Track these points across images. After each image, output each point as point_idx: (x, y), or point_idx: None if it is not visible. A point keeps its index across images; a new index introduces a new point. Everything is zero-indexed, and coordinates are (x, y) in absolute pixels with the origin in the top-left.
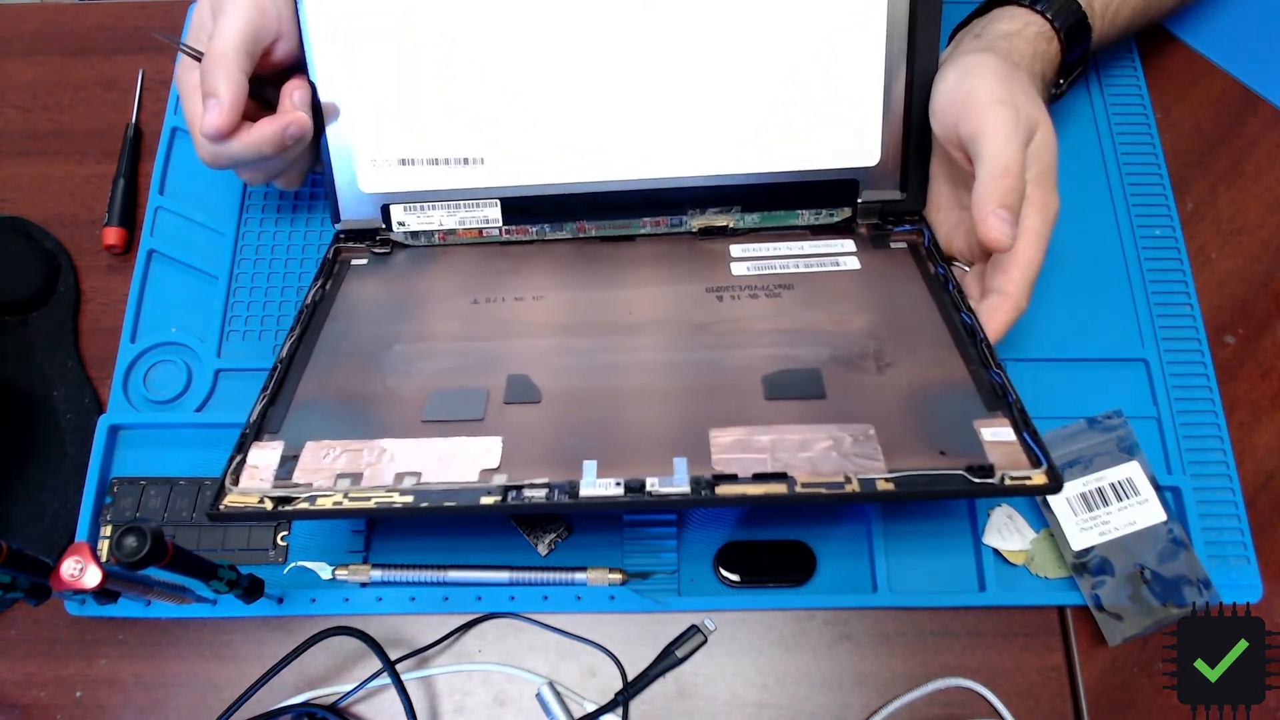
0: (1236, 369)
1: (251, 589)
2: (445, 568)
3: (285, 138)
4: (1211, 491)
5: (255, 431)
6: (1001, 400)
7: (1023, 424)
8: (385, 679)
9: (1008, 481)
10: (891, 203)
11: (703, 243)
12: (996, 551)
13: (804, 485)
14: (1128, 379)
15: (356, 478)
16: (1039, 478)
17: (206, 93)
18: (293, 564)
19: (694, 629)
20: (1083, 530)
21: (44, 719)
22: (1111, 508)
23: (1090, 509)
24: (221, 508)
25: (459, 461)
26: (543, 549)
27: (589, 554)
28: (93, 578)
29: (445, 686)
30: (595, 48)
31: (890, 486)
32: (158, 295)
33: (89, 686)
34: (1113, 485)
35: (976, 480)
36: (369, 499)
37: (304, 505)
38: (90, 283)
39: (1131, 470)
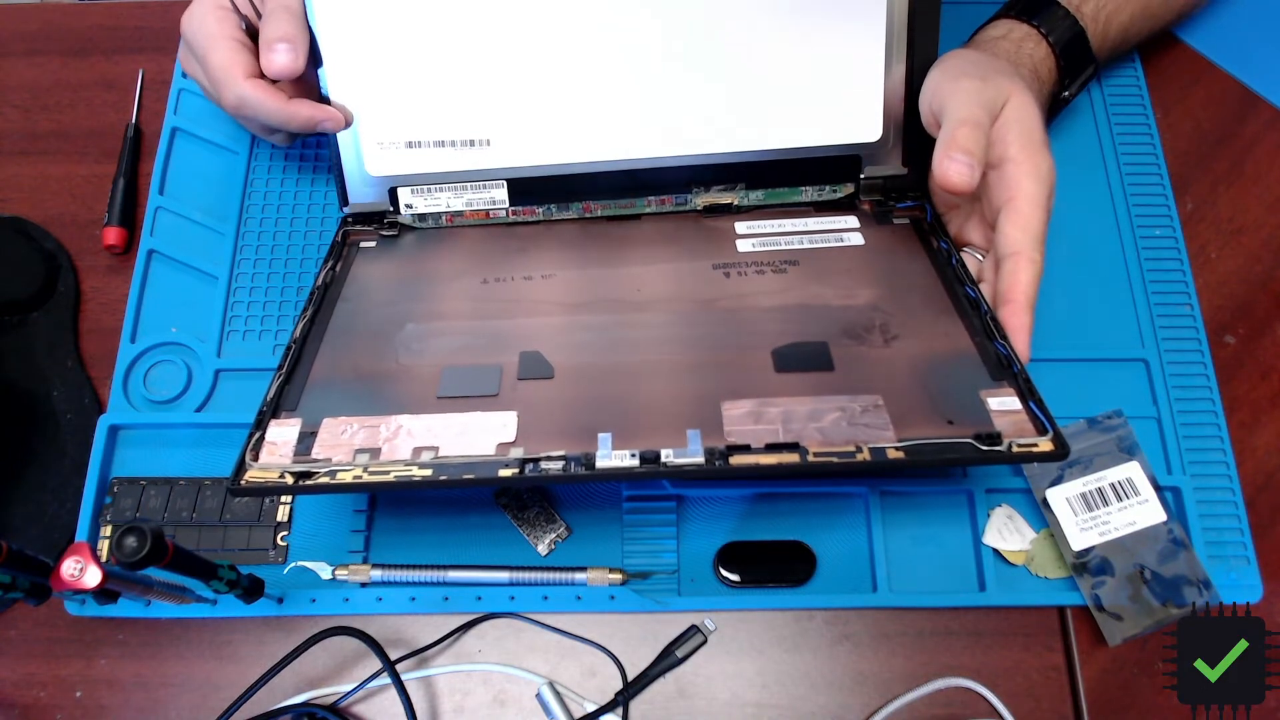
0: (1236, 369)
1: (251, 589)
2: (445, 568)
3: (314, 127)
4: (1211, 491)
5: (273, 409)
6: (1007, 370)
7: (1028, 393)
8: (385, 679)
9: (1015, 449)
10: (894, 178)
11: (708, 220)
12: (996, 551)
13: (816, 455)
14: (1128, 379)
15: (375, 452)
16: (1046, 444)
17: (277, 38)
18: (293, 564)
19: (694, 629)
20: (1083, 530)
21: (44, 719)
22: (1111, 508)
23: (1090, 509)
24: (243, 482)
25: (475, 436)
26: (543, 549)
27: (589, 554)
28: (93, 578)
29: (445, 686)
30: (600, 27)
31: (900, 455)
32: (158, 295)
33: (89, 686)
34: (1113, 485)
35: (985, 448)
36: (388, 473)
37: (324, 480)
38: (90, 283)
39: (1131, 470)
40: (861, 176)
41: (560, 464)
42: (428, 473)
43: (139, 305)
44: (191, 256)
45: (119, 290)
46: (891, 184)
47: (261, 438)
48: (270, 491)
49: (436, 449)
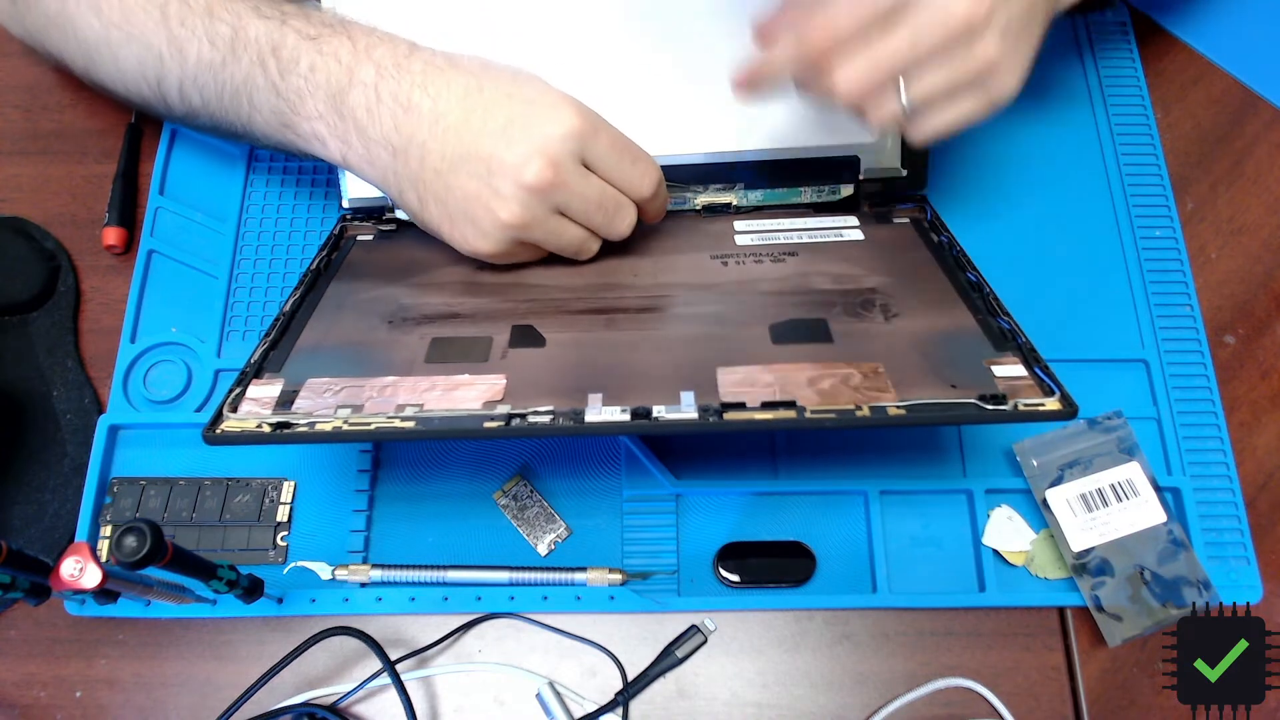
0: (1236, 369)
1: (251, 589)
2: (445, 568)
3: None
4: (1211, 492)
5: (256, 370)
6: (1010, 341)
7: (1033, 360)
8: (385, 679)
9: (1021, 407)
10: (893, 180)
11: (706, 220)
12: (996, 552)
13: (814, 412)
14: (1128, 379)
15: (358, 408)
16: (1053, 404)
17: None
18: (292, 564)
19: (694, 629)
20: (1083, 531)
21: (44, 719)
22: (1111, 508)
23: (1090, 510)
24: (219, 431)
25: (462, 396)
26: (543, 549)
27: (589, 554)
28: (93, 578)
29: (445, 686)
30: (599, 28)
31: (902, 413)
32: (158, 295)
33: (89, 686)
34: (1113, 486)
35: (990, 407)
36: (370, 424)
37: (303, 429)
38: (90, 283)
39: (1131, 471)
40: (860, 178)
41: (548, 417)
42: (411, 425)
43: (139, 305)
44: (191, 256)
45: (119, 290)
46: (891, 185)
47: (242, 393)
48: (248, 440)
49: (421, 406)
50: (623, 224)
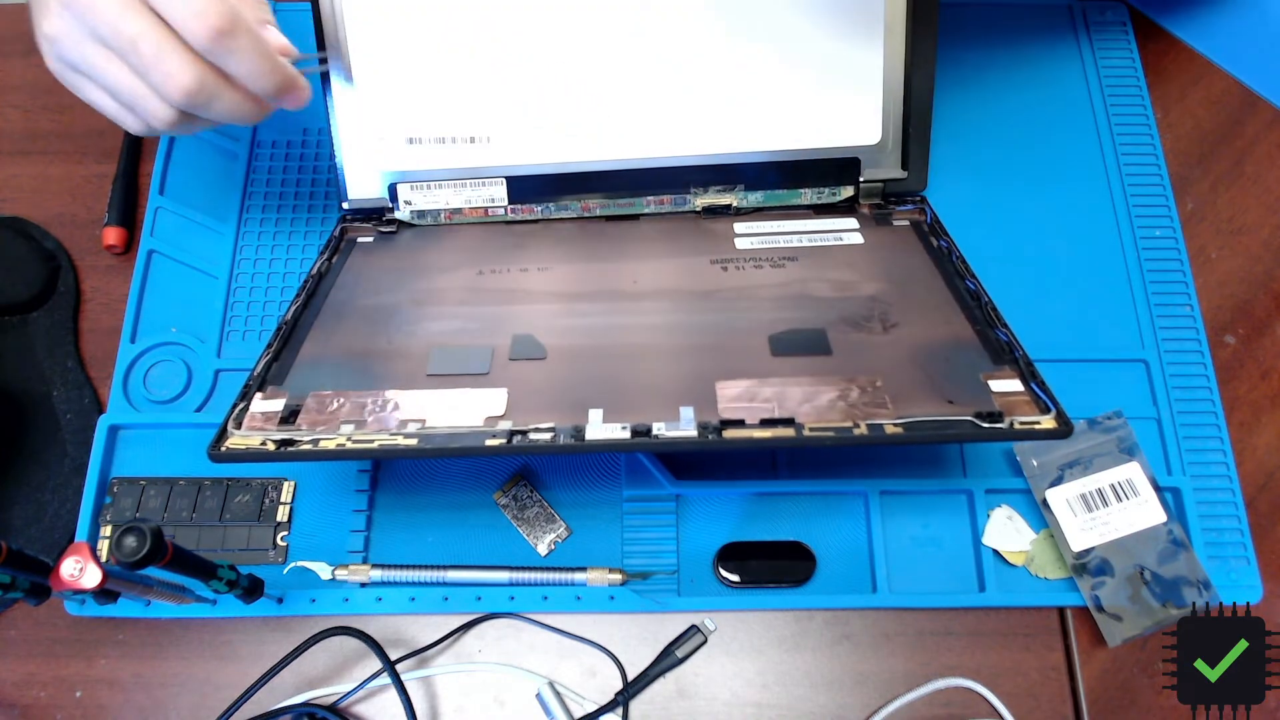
0: (1236, 369)
1: (251, 589)
2: (445, 568)
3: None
4: (1211, 492)
5: (259, 383)
6: (1008, 355)
7: (1029, 375)
8: (385, 679)
9: (1017, 425)
10: (893, 181)
11: (706, 222)
12: (996, 552)
13: (812, 429)
14: (1128, 379)
15: (361, 424)
16: (1048, 422)
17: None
18: (292, 564)
19: (694, 629)
20: (1083, 531)
21: (44, 719)
22: (1111, 508)
23: (1090, 510)
24: (224, 449)
25: (464, 410)
26: (543, 549)
27: (589, 554)
28: (93, 578)
29: (445, 686)
30: (601, 28)
31: (899, 430)
32: (158, 295)
33: (89, 686)
34: (1113, 486)
35: (985, 425)
36: (373, 441)
37: (307, 446)
38: (90, 283)
39: (1131, 471)
40: (860, 179)
41: (549, 435)
42: (413, 442)
43: (139, 305)
44: (191, 256)
45: (119, 290)
46: (891, 187)
47: (246, 408)
48: (252, 458)
49: (423, 421)
50: (165, 77)
